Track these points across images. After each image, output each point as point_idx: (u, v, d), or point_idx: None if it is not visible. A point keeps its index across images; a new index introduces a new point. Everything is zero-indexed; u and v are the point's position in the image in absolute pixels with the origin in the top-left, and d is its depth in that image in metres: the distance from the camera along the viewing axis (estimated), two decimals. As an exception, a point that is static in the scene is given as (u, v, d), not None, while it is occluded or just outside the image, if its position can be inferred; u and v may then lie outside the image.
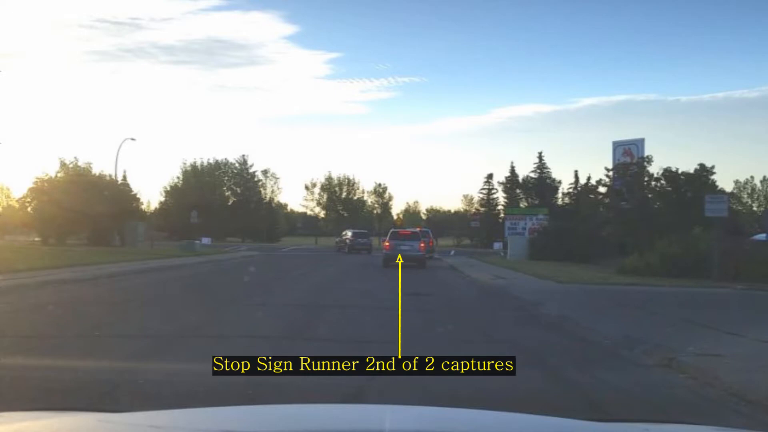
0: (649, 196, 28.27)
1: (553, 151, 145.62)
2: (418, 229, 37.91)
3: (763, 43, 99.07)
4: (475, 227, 52.59)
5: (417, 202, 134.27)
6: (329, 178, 72.13)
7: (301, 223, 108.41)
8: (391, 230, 31.15)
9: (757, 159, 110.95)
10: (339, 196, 71.93)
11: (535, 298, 14.26)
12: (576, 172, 68.89)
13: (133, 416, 2.14)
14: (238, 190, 77.93)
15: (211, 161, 78.47)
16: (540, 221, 36.37)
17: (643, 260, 20.49)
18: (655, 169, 29.20)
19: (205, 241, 44.20)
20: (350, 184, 72.18)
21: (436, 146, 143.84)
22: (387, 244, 28.52)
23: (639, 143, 38.60)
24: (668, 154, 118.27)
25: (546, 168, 67.61)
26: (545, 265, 26.66)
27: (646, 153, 36.07)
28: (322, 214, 74.95)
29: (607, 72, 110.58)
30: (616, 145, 40.10)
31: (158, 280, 18.23)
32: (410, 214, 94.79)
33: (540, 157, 67.92)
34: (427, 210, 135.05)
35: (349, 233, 45.37)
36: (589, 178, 71.76)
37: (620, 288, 16.63)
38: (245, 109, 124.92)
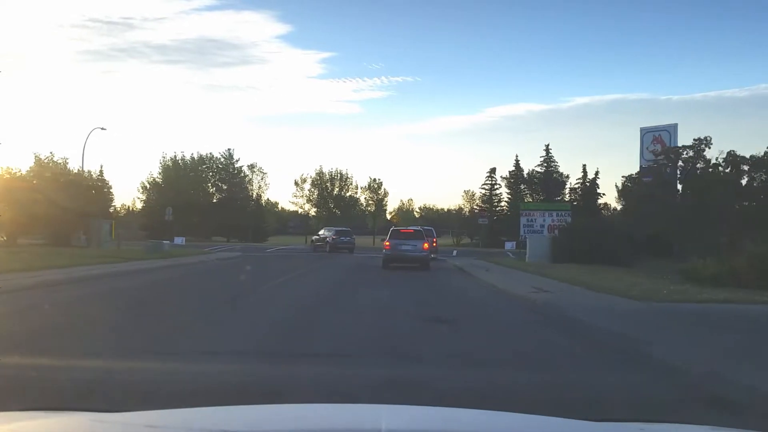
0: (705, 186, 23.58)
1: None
2: (416, 227, 33.12)
3: (753, 43, 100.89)
4: (483, 224, 47.90)
5: (411, 200, 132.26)
6: (320, 173, 67.14)
7: (293, 221, 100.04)
8: (391, 229, 27.69)
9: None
10: (330, 193, 66.85)
11: (620, 327, 9.56)
12: (584, 166, 64.47)
13: (129, 416, 2.10)
14: (224, 187, 72.84)
15: (195, 156, 73.39)
16: (561, 217, 31.65)
17: (725, 265, 15.75)
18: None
19: (179, 241, 39.37)
20: (343, 179, 67.30)
21: (429, 145, 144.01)
22: (387, 243, 25.45)
23: (671, 129, 33.98)
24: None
25: (553, 162, 63.04)
26: (578, 270, 21.96)
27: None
28: (312, 211, 69.77)
29: (599, 72, 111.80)
30: (645, 132, 35.46)
31: (89, 295, 13.37)
32: (404, 212, 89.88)
33: (547, 149, 63.36)
34: (420, 208, 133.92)
35: (325, 231, 42.11)
36: (597, 173, 67.68)
37: (723, 308, 11.87)
38: (238, 109, 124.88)
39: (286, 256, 36.98)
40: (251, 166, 70.99)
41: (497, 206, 65.40)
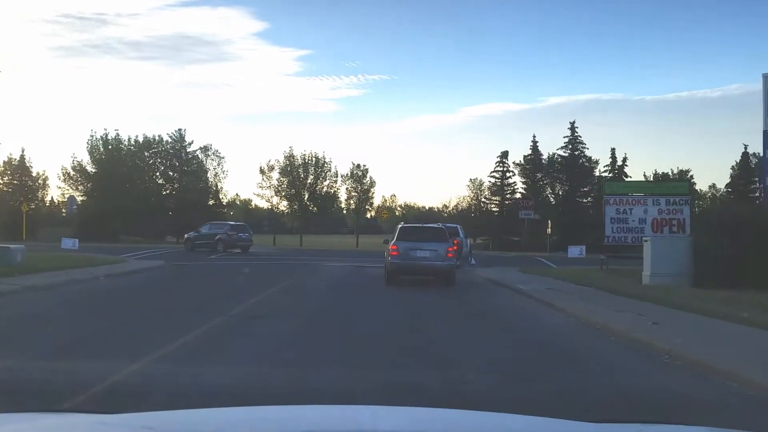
0: None
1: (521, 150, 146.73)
2: (436, 224, 21.75)
3: (725, 44, 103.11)
4: (527, 219, 36.19)
5: (394, 195, 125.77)
6: (290, 157, 53.66)
7: (268, 220, 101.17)
8: (400, 226, 18.91)
9: (722, 156, 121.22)
10: (304, 181, 54.13)
11: None
12: (613, 150, 52.87)
13: (128, 417, 2.10)
14: (173, 176, 59.91)
15: (139, 138, 60.34)
16: (675, 206, 19.68)
17: None
18: None
19: (68, 244, 26.61)
20: (319, 165, 53.90)
21: (408, 144, 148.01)
22: (394, 247, 17.29)
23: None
24: (635, 152, 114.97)
25: (580, 143, 51.17)
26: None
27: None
28: (282, 206, 56.31)
29: (573, 72, 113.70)
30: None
31: None
32: (385, 209, 77.22)
33: (573, 128, 51.34)
34: (401, 206, 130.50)
35: (210, 227, 35.88)
36: (625, 159, 56.22)
37: None
38: (213, 106, 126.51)
39: (229, 268, 24.60)
40: (205, 149, 58.07)
41: (509, 198, 53.57)
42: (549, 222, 41.56)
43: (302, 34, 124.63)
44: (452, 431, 2.09)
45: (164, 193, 62.10)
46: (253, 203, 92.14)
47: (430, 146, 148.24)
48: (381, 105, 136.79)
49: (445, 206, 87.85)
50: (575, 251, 25.28)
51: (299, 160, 53.66)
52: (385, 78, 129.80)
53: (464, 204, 69.63)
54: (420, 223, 22.99)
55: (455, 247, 18.93)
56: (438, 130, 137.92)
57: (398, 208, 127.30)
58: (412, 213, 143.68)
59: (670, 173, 62.14)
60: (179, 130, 58.98)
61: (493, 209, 54.67)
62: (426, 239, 17.27)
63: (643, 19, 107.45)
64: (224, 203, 64.96)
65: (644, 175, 61.46)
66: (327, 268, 25.07)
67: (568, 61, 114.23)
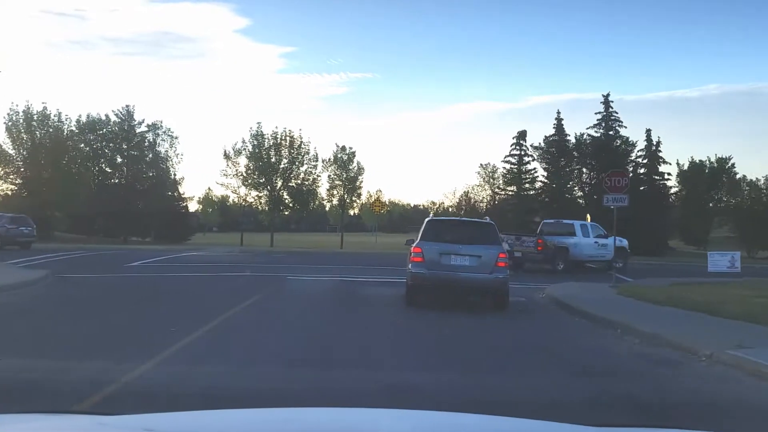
0: None
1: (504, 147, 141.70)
2: (478, 219, 14.40)
3: (702, 44, 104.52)
4: (620, 206, 27.03)
5: (380, 191, 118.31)
6: (258, 135, 42.19)
7: (245, 217, 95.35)
8: (428, 220, 13.10)
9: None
10: (276, 166, 42.90)
11: None
12: (649, 132, 43.89)
13: (128, 419, 2.06)
14: (119, 160, 49.83)
15: (81, 119, 50.34)
16: None
17: None
18: None
19: None
20: (294, 145, 42.80)
21: (393, 142, 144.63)
22: (418, 251, 11.84)
23: None
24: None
25: (617, 120, 41.91)
26: None
27: None
28: (251, 197, 45.08)
29: (554, 72, 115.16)
30: None
31: None
32: (378, 203, 67.67)
33: (606, 101, 41.96)
34: (385, 204, 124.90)
35: None
36: (659, 143, 47.51)
37: None
38: (194, 103, 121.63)
39: (144, 283, 15.13)
40: (154, 126, 47.96)
41: (528, 188, 44.37)
42: (588, 216, 32.40)
43: (286, 31, 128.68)
44: None
45: (112, 182, 52.25)
46: (231, 200, 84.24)
47: (417, 144, 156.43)
48: (365, 103, 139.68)
49: (433, 203, 78.80)
50: (722, 261, 15.48)
51: (270, 140, 43.37)
52: (368, 76, 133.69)
53: (454, 199, 60.61)
54: (453, 217, 15.65)
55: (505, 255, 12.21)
56: (421, 127, 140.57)
57: (386, 205, 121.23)
58: (398, 210, 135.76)
59: (707, 161, 53.78)
60: (127, 106, 48.89)
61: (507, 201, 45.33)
62: (465, 239, 11.97)
63: (621, 23, 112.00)
64: (185, 196, 55.18)
65: (677, 163, 52.90)
66: (295, 287, 15.69)
67: (549, 61, 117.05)
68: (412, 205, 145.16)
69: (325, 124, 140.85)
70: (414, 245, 12.07)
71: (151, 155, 50.67)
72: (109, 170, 52.45)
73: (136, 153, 49.16)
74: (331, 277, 17.78)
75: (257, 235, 54.75)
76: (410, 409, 2.53)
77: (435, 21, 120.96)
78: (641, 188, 43.94)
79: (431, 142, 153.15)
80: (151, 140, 49.54)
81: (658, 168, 46.24)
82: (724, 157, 53.62)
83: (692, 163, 52.64)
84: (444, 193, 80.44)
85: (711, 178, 52.41)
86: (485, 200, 51.78)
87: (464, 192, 57.62)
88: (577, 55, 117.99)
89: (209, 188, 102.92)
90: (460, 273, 11.48)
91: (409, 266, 11.91)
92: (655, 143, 45.54)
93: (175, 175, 50.97)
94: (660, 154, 45.90)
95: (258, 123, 41.57)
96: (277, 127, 45.52)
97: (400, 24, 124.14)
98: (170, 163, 48.75)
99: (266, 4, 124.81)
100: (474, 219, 14.71)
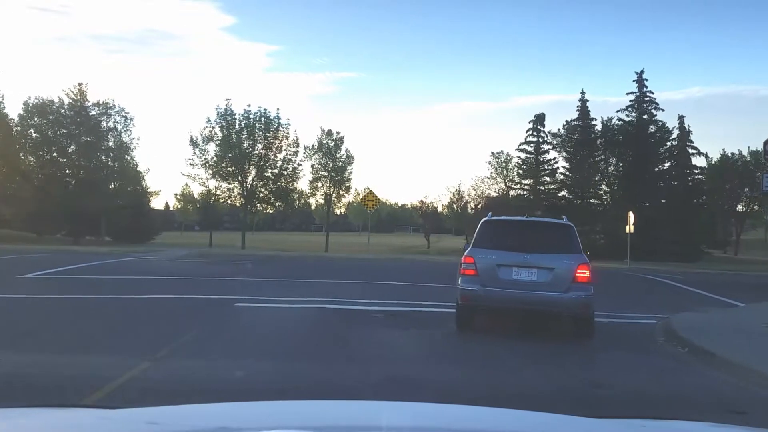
0: None
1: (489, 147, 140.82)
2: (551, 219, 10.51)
3: (685, 46, 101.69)
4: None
5: (368, 188, 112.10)
6: (226, 115, 34.98)
7: (229, 216, 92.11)
8: (483, 221, 9.67)
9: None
10: (249, 152, 35.59)
11: None
12: (682, 118, 37.98)
13: (132, 412, 2.06)
14: (70, 149, 43.14)
15: (29, 101, 43.71)
16: None
17: None
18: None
19: None
20: (271, 127, 35.62)
21: (380, 140, 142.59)
22: (469, 260, 9.08)
23: None
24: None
25: (649, 99, 35.72)
26: None
27: None
28: (220, 189, 38.03)
29: (538, 73, 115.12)
30: None
31: None
32: (371, 197, 61.31)
33: (640, 78, 35.76)
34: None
35: None
36: (690, 131, 41.69)
37: None
38: (181, 102, 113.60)
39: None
40: (105, 105, 41.24)
41: (547, 183, 38.18)
42: (630, 215, 26.71)
43: (273, 30, 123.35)
44: (456, 426, 2.00)
45: (65, 172, 45.67)
46: (195, 193, 76.52)
47: (405, 144, 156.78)
48: (352, 102, 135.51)
49: (422, 202, 72.75)
50: None
51: (240, 121, 36.27)
52: (353, 75, 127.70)
53: (447, 199, 54.59)
54: (517, 217, 11.35)
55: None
56: (407, 127, 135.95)
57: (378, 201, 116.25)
58: (386, 210, 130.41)
59: (737, 152, 48.28)
60: (79, 84, 42.07)
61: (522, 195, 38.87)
62: (533, 246, 8.99)
63: (602, 26, 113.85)
64: (150, 190, 48.60)
65: (706, 157, 47.20)
66: (243, 325, 9.41)
67: (535, 63, 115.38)
68: (399, 205, 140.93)
69: (312, 124, 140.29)
70: (465, 254, 9.36)
71: (111, 143, 44.11)
72: (62, 160, 45.87)
73: (91, 139, 42.49)
74: (309, 303, 11.40)
75: (231, 234, 48.21)
76: (414, 402, 2.42)
77: (423, 21, 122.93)
78: (674, 183, 38.08)
79: (419, 141, 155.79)
80: (111, 126, 42.98)
81: (690, 161, 40.42)
82: (758, 150, 47.98)
83: (723, 156, 46.86)
84: (447, 187, 75.29)
85: (742, 174, 46.71)
86: (478, 199, 45.38)
87: (455, 189, 50.82)
88: (557, 58, 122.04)
89: (186, 183, 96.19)
90: (526, 291, 8.95)
91: (460, 282, 9.27)
92: (687, 132, 39.73)
93: (136, 166, 44.35)
94: (693, 144, 40.10)
95: (227, 100, 35.21)
96: (249, 105, 38.85)
97: (387, 23, 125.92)
98: (132, 153, 42.11)
99: (252, 2, 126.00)
100: (547, 219, 11.10)
